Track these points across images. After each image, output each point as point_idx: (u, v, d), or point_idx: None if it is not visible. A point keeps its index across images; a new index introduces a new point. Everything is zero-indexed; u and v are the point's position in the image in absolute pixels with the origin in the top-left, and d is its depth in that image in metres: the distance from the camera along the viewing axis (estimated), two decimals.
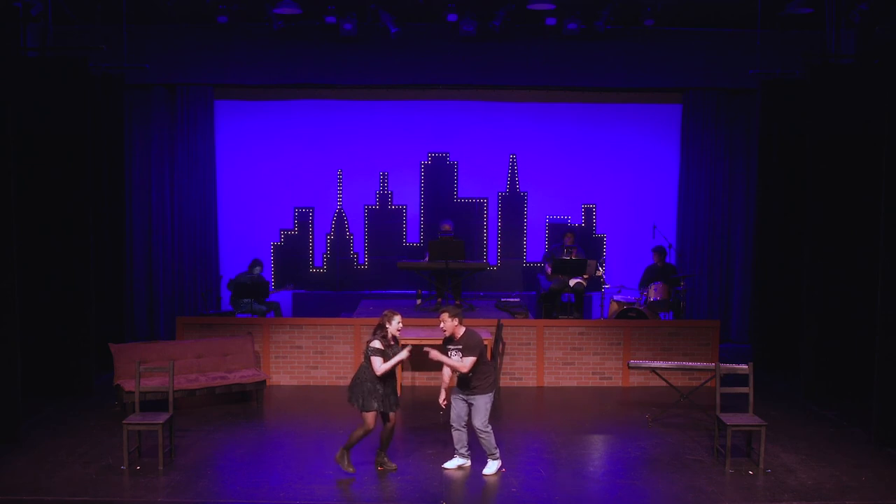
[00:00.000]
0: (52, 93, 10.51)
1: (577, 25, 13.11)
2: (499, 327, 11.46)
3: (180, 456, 8.50)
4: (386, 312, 8.13)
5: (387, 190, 14.87)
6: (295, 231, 14.86)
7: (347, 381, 11.49)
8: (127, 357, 10.12)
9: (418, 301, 13.35)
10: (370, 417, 7.97)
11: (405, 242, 14.95)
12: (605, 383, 11.71)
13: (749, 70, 12.61)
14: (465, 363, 8.01)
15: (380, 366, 7.92)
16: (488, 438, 8.11)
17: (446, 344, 8.15)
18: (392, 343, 8.07)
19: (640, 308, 12.42)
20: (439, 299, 12.98)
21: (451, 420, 8.21)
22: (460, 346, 8.07)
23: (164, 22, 13.27)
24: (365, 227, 14.90)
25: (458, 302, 12.96)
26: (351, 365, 11.64)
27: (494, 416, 10.40)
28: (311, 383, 11.63)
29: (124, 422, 8.29)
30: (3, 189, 8.72)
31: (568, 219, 14.93)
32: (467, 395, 8.10)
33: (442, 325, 8.08)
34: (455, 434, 8.22)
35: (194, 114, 14.08)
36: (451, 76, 14.00)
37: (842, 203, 10.60)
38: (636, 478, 8.14)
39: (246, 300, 13.20)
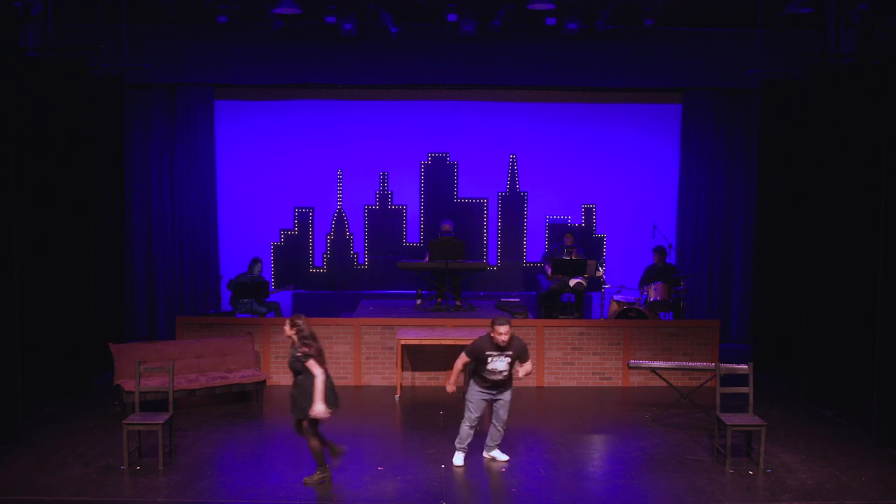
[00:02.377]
0: (52, 93, 10.51)
1: (577, 25, 13.11)
2: None
3: (180, 456, 8.50)
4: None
5: (387, 190, 14.87)
6: (295, 231, 14.86)
7: (348, 381, 11.65)
8: (127, 357, 10.13)
9: (418, 301, 13.36)
10: None
11: (405, 242, 14.95)
12: (605, 383, 11.71)
13: (749, 70, 12.61)
14: (529, 367, 8.28)
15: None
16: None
17: (489, 350, 8.03)
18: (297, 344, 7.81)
19: (640, 308, 12.42)
20: (439, 299, 12.98)
21: (475, 420, 8.28)
22: (511, 353, 8.07)
23: (164, 22, 13.26)
24: (365, 227, 14.91)
25: (458, 302, 12.97)
26: (351, 365, 11.65)
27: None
28: None
29: (124, 422, 8.29)
30: (3, 189, 8.72)
31: (568, 219, 14.93)
32: (501, 392, 8.23)
33: (503, 337, 7.95)
34: (470, 432, 8.34)
35: (194, 114, 14.08)
36: (451, 76, 13.99)
37: (842, 203, 10.61)
38: (636, 478, 8.14)
39: (246, 300, 13.20)
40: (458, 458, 8.37)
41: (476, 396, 8.24)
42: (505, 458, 8.47)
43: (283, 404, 10.76)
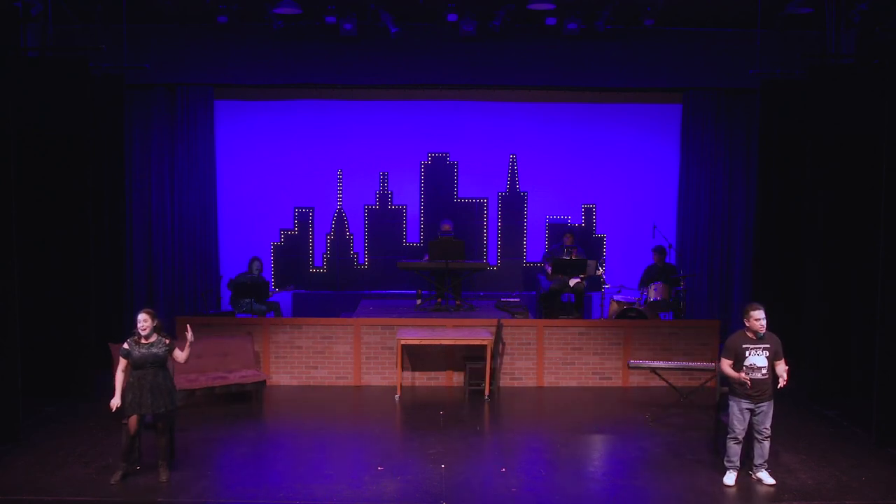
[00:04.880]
0: (52, 93, 10.51)
1: (577, 25, 13.11)
2: (499, 327, 11.48)
3: (180, 456, 8.49)
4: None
5: (387, 190, 14.88)
6: (295, 231, 14.86)
7: (348, 381, 11.65)
8: None
9: (418, 301, 13.36)
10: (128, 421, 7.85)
11: (405, 242, 14.95)
12: (605, 383, 11.71)
13: (749, 70, 12.59)
14: (783, 366, 7.75)
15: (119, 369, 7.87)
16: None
17: (745, 342, 7.72)
18: (146, 341, 7.78)
19: (640, 308, 12.42)
20: (439, 299, 12.98)
21: (739, 433, 7.81)
22: (768, 346, 7.71)
23: (164, 22, 13.26)
24: (365, 227, 14.90)
25: (458, 302, 12.97)
26: (351, 365, 11.65)
27: (495, 417, 10.45)
28: (311, 383, 11.63)
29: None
30: (3, 189, 8.73)
31: (568, 219, 14.93)
32: (764, 401, 7.74)
33: (762, 321, 7.63)
34: (737, 447, 7.87)
35: (194, 114, 14.07)
36: (451, 76, 13.98)
37: (842, 203, 10.61)
38: (636, 478, 8.15)
39: (246, 300, 13.19)
40: (729, 478, 7.89)
41: (740, 404, 7.77)
42: (771, 481, 7.88)
43: (284, 404, 10.82)
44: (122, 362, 7.85)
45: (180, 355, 7.99)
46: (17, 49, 10.76)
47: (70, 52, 11.50)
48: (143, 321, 7.76)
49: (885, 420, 8.93)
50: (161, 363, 7.81)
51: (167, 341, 7.88)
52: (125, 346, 7.81)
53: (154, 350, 7.77)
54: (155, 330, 7.84)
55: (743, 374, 7.67)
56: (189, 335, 7.99)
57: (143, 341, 7.78)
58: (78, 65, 10.74)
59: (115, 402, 7.82)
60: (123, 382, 7.85)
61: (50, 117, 10.49)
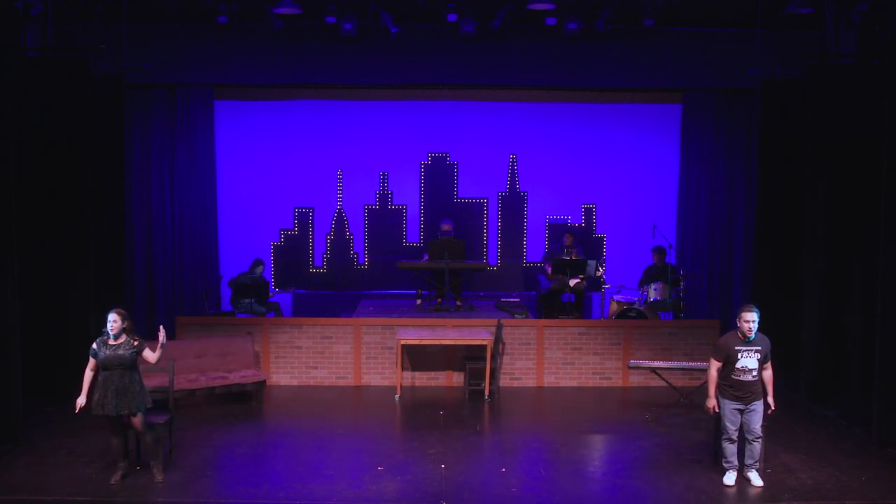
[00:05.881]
0: (52, 93, 10.51)
1: (577, 25, 13.10)
2: (499, 327, 11.48)
3: (180, 456, 8.50)
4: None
5: (387, 190, 14.88)
6: (295, 231, 14.86)
7: (348, 381, 11.66)
8: None
9: (418, 301, 13.36)
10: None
11: (405, 242, 14.95)
12: (605, 383, 11.71)
13: (749, 70, 12.58)
14: (770, 372, 7.78)
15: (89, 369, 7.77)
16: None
17: (736, 344, 7.71)
18: (113, 342, 7.63)
19: (640, 308, 12.42)
20: (439, 299, 12.99)
21: (732, 433, 7.83)
22: (759, 349, 7.69)
23: (164, 22, 13.25)
24: (365, 227, 14.91)
25: (458, 302, 12.98)
26: (351, 365, 11.65)
27: (495, 417, 10.46)
28: (311, 383, 11.64)
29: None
30: (3, 189, 8.73)
31: (568, 219, 14.93)
32: (752, 402, 7.74)
33: (752, 324, 7.59)
34: (732, 447, 7.90)
35: (194, 114, 14.06)
36: (451, 76, 13.97)
37: (841, 202, 10.61)
38: (636, 478, 8.15)
39: (246, 300, 13.19)
40: (728, 478, 7.91)
41: (725, 408, 7.81)
42: (760, 483, 7.85)
43: (284, 404, 10.82)
44: (91, 361, 7.72)
45: (151, 356, 7.84)
46: (17, 49, 10.75)
47: (70, 52, 11.49)
48: (113, 322, 7.62)
49: (885, 420, 8.93)
50: (128, 365, 7.64)
51: (135, 343, 7.71)
52: (94, 345, 7.69)
53: (120, 352, 7.62)
54: (124, 331, 7.69)
55: (712, 402, 7.85)
56: (161, 336, 7.88)
57: (110, 342, 7.64)
58: (78, 65, 10.74)
59: (80, 400, 7.73)
60: (90, 381, 7.75)
61: (50, 117, 10.48)
